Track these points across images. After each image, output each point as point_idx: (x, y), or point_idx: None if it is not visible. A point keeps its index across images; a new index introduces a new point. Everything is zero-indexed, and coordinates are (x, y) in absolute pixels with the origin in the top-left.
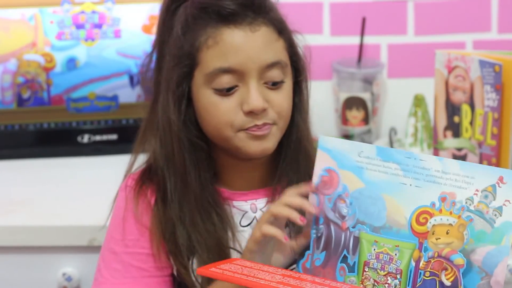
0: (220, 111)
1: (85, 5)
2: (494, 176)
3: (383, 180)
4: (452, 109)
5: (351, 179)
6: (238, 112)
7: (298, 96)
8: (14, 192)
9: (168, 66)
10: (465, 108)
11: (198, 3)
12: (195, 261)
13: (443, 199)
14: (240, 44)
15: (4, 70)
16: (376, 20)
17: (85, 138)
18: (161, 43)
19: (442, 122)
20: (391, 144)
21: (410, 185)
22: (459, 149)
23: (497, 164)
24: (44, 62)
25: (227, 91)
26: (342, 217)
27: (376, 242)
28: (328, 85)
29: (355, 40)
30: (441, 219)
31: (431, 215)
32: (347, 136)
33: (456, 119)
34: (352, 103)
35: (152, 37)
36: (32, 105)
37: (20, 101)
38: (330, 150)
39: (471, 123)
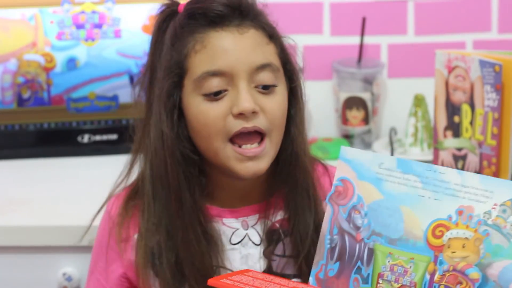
0: (210, 118)
1: (85, 5)
2: None
3: (402, 192)
4: (452, 109)
5: (370, 190)
6: (228, 117)
7: (294, 107)
8: (14, 192)
9: (159, 80)
10: (465, 108)
11: (185, 11)
12: None
13: (460, 212)
14: (228, 46)
15: (4, 70)
16: (376, 20)
17: (85, 138)
18: (153, 63)
19: (442, 122)
20: (391, 144)
21: (429, 197)
22: (459, 149)
23: (497, 164)
24: (44, 62)
25: (215, 95)
26: (357, 228)
27: (391, 254)
28: (328, 85)
29: (355, 40)
30: (457, 232)
31: (448, 228)
32: (347, 136)
33: (456, 119)
34: (352, 103)
35: None
36: (32, 105)
37: (20, 101)
38: (351, 161)
39: (471, 123)
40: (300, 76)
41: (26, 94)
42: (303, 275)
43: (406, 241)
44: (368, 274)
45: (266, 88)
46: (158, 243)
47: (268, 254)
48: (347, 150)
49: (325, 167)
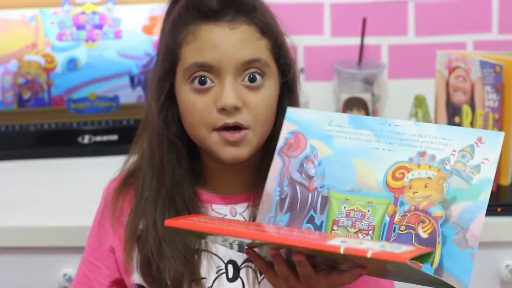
0: (196, 109)
1: (86, 6)
2: (472, 137)
3: (353, 146)
4: (453, 109)
5: (319, 147)
6: (213, 110)
7: (287, 100)
8: (15, 193)
9: (156, 63)
10: (466, 109)
11: (185, 1)
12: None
13: (421, 154)
14: (217, 41)
15: (5, 71)
16: (376, 20)
17: (86, 139)
18: (159, 45)
19: (443, 122)
20: None
21: (383, 149)
22: None
23: (498, 164)
24: (45, 62)
25: (201, 84)
26: (310, 177)
27: (347, 200)
28: (328, 86)
29: (355, 40)
30: (419, 173)
31: (409, 170)
32: None
33: (456, 119)
34: (353, 103)
35: (152, 37)
36: (33, 106)
37: (21, 102)
38: (298, 122)
39: (471, 123)
40: (295, 70)
41: (26, 95)
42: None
43: (358, 192)
44: (322, 221)
45: (252, 81)
46: (145, 219)
47: None
48: (294, 111)
49: None
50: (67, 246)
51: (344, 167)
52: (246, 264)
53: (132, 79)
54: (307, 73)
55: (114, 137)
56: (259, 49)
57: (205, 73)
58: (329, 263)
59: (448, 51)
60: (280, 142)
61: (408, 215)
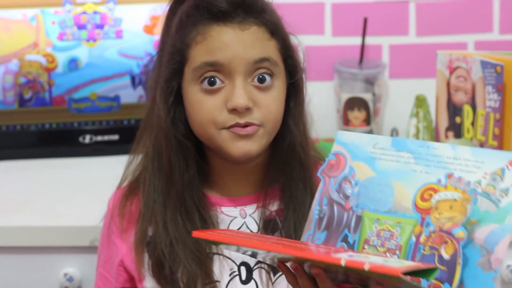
0: (205, 108)
1: (87, 5)
2: (504, 160)
3: (394, 168)
4: (454, 109)
5: (363, 168)
6: (223, 110)
7: (293, 100)
8: (16, 193)
9: (162, 64)
10: (467, 109)
11: (192, 1)
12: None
13: (449, 175)
14: (228, 41)
15: (6, 70)
16: (377, 20)
17: (87, 139)
18: (162, 44)
19: (444, 122)
20: None
21: (420, 171)
22: None
23: None
24: (46, 62)
25: (210, 85)
26: (346, 197)
27: (378, 219)
28: (329, 86)
29: (356, 40)
30: (445, 194)
31: (436, 191)
32: None
33: (457, 119)
34: (354, 103)
35: (153, 37)
36: (34, 106)
37: (22, 102)
38: (346, 144)
39: (472, 123)
40: (302, 71)
41: (27, 95)
42: None
43: (395, 213)
44: (354, 240)
45: (263, 83)
46: (155, 222)
47: None
48: (343, 134)
49: None
50: (68, 246)
51: (384, 189)
52: (259, 265)
53: (133, 79)
54: (308, 73)
55: (115, 137)
56: (269, 49)
57: (215, 73)
58: (361, 281)
59: (449, 51)
60: (323, 164)
61: (433, 235)
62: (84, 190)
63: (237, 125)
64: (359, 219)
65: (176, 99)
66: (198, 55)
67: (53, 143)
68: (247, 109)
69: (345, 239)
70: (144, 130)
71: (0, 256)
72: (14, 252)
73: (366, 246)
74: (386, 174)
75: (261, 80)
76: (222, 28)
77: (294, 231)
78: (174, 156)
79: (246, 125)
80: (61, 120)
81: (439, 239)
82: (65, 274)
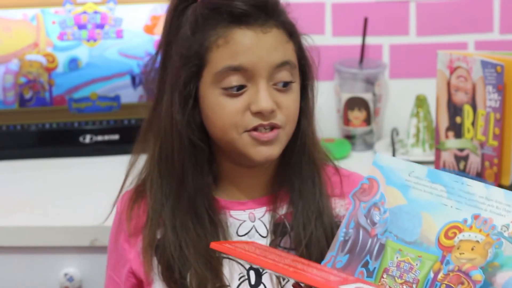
0: (227, 112)
1: (87, 5)
2: None
3: (426, 199)
4: (454, 109)
5: (395, 195)
6: (246, 113)
7: (304, 101)
8: (16, 193)
9: (175, 66)
10: (467, 109)
11: (209, 3)
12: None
13: (476, 216)
14: (251, 44)
15: (6, 70)
16: (378, 20)
17: (87, 139)
18: (167, 44)
19: (444, 122)
20: (393, 144)
21: (451, 206)
22: (461, 150)
23: (499, 165)
24: (46, 62)
25: (236, 90)
26: (373, 223)
27: (401, 250)
28: (330, 86)
29: (357, 40)
30: (469, 235)
31: (461, 231)
32: (349, 137)
33: (458, 119)
34: (354, 103)
35: (154, 37)
36: (34, 106)
37: (22, 102)
38: (383, 167)
39: (473, 123)
40: (314, 71)
41: (28, 95)
42: (305, 257)
43: (419, 245)
44: (375, 268)
45: (285, 86)
46: (163, 226)
47: (274, 246)
48: (381, 157)
49: (336, 168)
50: (68, 246)
51: (413, 218)
52: (268, 270)
53: (133, 78)
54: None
55: (116, 137)
56: (288, 51)
57: (238, 77)
58: None
59: (450, 51)
60: (357, 186)
61: (451, 274)
62: (84, 190)
63: (260, 125)
64: (382, 247)
65: (192, 102)
66: (220, 59)
67: (53, 143)
68: (272, 111)
69: (365, 265)
70: (147, 131)
71: (0, 256)
72: (14, 252)
73: (384, 275)
74: (417, 204)
75: (285, 84)
76: (244, 32)
77: (303, 229)
78: (188, 159)
79: (269, 127)
80: (62, 120)
81: (457, 279)
82: (65, 274)
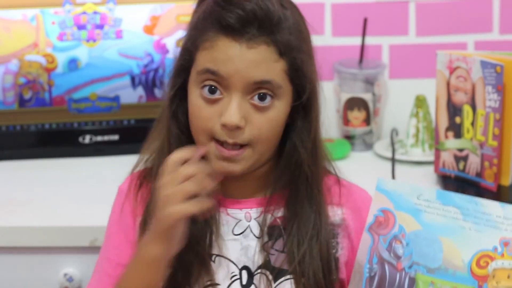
0: (201, 116)
1: (87, 5)
2: None
3: (441, 223)
4: (454, 109)
5: (407, 221)
6: (217, 122)
7: (301, 119)
8: (16, 193)
9: (177, 56)
10: (467, 109)
11: (209, 5)
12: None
13: (505, 243)
14: (232, 56)
15: (6, 70)
16: (377, 20)
17: (87, 139)
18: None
19: (444, 123)
20: (392, 145)
21: (470, 229)
22: (461, 150)
23: (499, 165)
24: (46, 62)
25: (210, 93)
26: (398, 257)
27: (433, 283)
28: (329, 86)
29: (356, 40)
30: (502, 263)
31: (492, 259)
32: (349, 137)
33: (457, 119)
34: (354, 103)
35: (153, 37)
36: (34, 106)
37: (22, 102)
38: (388, 192)
39: (472, 123)
40: (315, 90)
41: (27, 95)
42: (298, 274)
43: (445, 271)
44: None
45: (263, 101)
46: None
47: (267, 248)
48: (384, 181)
49: (337, 178)
50: (68, 246)
51: (432, 244)
52: (260, 270)
53: (133, 79)
54: None
55: (115, 137)
56: (274, 71)
57: (215, 83)
58: None
59: (449, 51)
60: (370, 219)
61: None
62: (84, 190)
63: (225, 142)
64: (412, 280)
65: (181, 94)
66: (203, 60)
67: (53, 143)
68: (238, 128)
69: None
70: (156, 128)
71: (0, 256)
72: (14, 252)
73: None
74: (433, 228)
75: (261, 98)
76: (230, 42)
77: (297, 247)
78: (174, 148)
79: (233, 144)
80: (61, 120)
81: None
82: (65, 274)
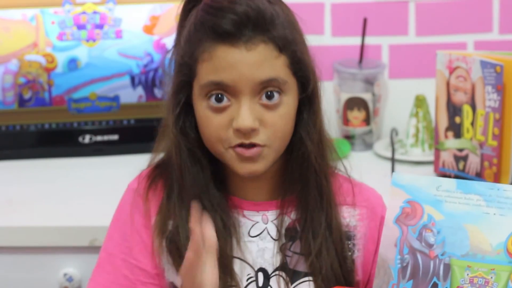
0: (212, 126)
1: (86, 5)
2: None
3: (464, 211)
4: (453, 109)
5: (431, 212)
6: (229, 129)
7: (306, 111)
8: (15, 193)
9: (174, 70)
10: (466, 109)
11: (199, 14)
12: None
13: None
14: (233, 62)
15: (6, 70)
16: (377, 20)
17: (86, 139)
18: (176, 44)
19: (444, 122)
20: (392, 144)
21: (494, 214)
22: (460, 150)
23: (498, 165)
24: (46, 62)
25: (217, 102)
26: (430, 245)
27: (469, 267)
28: (329, 86)
29: (356, 40)
30: None
31: None
32: (348, 137)
33: (457, 119)
34: (353, 103)
35: (153, 37)
36: (33, 106)
37: (21, 102)
38: (404, 186)
39: (472, 123)
40: (316, 81)
41: (27, 95)
42: (314, 273)
43: (473, 256)
44: None
45: (271, 100)
46: (174, 220)
47: (283, 250)
48: (400, 176)
49: (347, 178)
50: (67, 246)
51: (456, 232)
52: (276, 272)
53: (132, 79)
54: None
55: (115, 137)
56: (277, 68)
57: (221, 91)
58: None
59: (449, 51)
60: (396, 211)
61: None
62: (84, 190)
63: (242, 145)
64: (447, 267)
65: (186, 109)
66: (205, 73)
67: (52, 143)
68: (253, 130)
69: (434, 287)
70: (163, 130)
71: (0, 256)
72: (14, 252)
73: None
74: (456, 217)
75: (269, 97)
76: (228, 49)
77: (313, 240)
78: (184, 164)
79: (251, 146)
80: (61, 120)
81: None
82: (65, 274)
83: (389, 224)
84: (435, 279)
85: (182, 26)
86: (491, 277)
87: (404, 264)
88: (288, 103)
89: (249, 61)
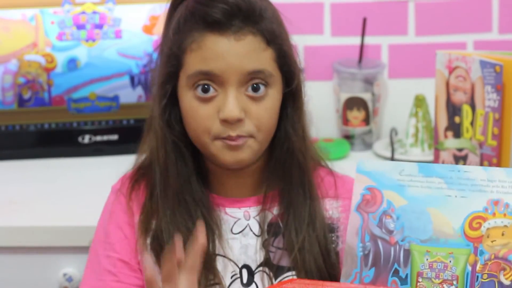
0: (199, 117)
1: (86, 5)
2: None
3: (426, 194)
4: (453, 109)
5: (393, 197)
6: (215, 119)
7: (291, 106)
8: (15, 193)
9: (160, 63)
10: (466, 109)
11: (190, 5)
12: None
13: (495, 202)
14: (222, 52)
15: (5, 70)
16: (377, 20)
17: (86, 139)
18: (161, 43)
19: (443, 122)
20: (391, 144)
21: (456, 196)
22: (460, 150)
23: (498, 165)
24: (45, 62)
25: (203, 91)
26: (390, 232)
27: (428, 252)
28: (329, 86)
29: (356, 40)
30: (495, 222)
31: (485, 220)
32: (348, 137)
33: (457, 119)
34: (353, 103)
35: (153, 37)
36: (33, 106)
37: (21, 102)
38: (369, 172)
39: (472, 123)
40: (300, 77)
41: (26, 95)
42: (297, 268)
43: (436, 241)
44: (407, 274)
45: (257, 92)
46: (157, 217)
47: (266, 246)
48: (364, 163)
49: (329, 170)
50: (67, 246)
51: (420, 216)
52: (260, 268)
53: (132, 78)
54: (307, 73)
55: (115, 137)
56: (264, 60)
57: (208, 81)
58: None
59: (448, 51)
60: (357, 198)
61: (489, 263)
62: (84, 190)
63: (228, 137)
64: (407, 252)
65: (171, 101)
66: (193, 63)
67: (52, 143)
68: (239, 120)
69: (396, 274)
70: (148, 129)
71: (0, 256)
72: (13, 252)
73: (420, 279)
74: (418, 201)
75: (255, 89)
76: (217, 38)
77: (295, 236)
78: (170, 156)
79: (236, 136)
80: (61, 120)
81: (496, 266)
82: (65, 274)
83: (352, 212)
84: (396, 265)
85: (170, 19)
86: (450, 261)
87: (366, 252)
88: (273, 96)
89: (237, 51)
